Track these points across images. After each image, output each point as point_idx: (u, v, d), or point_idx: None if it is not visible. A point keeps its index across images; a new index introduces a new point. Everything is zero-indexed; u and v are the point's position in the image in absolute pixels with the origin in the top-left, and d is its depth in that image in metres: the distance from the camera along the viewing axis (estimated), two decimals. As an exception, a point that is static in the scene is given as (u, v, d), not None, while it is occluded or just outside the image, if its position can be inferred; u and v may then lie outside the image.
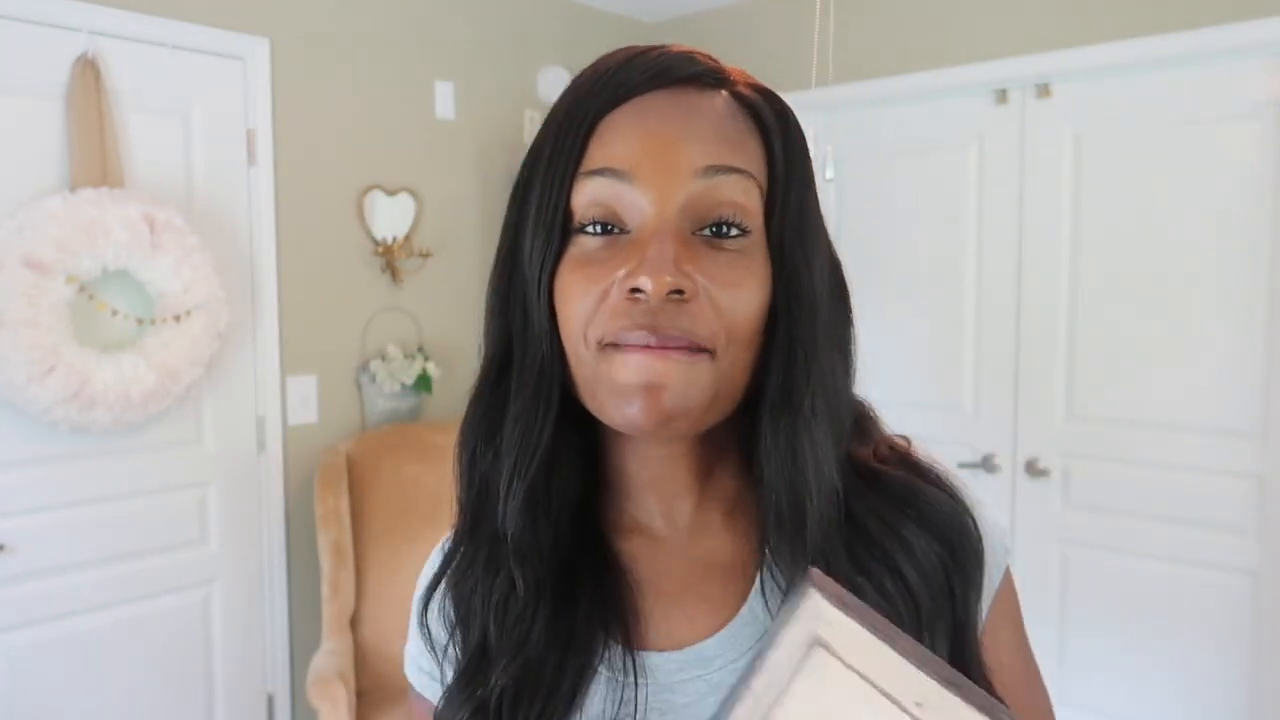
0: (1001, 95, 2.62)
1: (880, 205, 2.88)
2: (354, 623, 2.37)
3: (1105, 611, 2.51)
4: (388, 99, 2.66)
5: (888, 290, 2.88)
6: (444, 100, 2.78)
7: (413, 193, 2.72)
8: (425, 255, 2.73)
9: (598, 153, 0.53)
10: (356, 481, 2.45)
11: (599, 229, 0.53)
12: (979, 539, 0.58)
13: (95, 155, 2.07)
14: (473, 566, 0.60)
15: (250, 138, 2.39)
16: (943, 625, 0.55)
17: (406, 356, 2.69)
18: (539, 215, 0.54)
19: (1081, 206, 2.50)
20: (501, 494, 0.57)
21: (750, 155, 0.54)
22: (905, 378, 2.84)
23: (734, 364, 0.53)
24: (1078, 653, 2.57)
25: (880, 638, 0.43)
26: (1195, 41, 2.27)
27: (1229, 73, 2.27)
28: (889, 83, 2.78)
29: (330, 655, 2.24)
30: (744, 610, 0.57)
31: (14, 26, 2.02)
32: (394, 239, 2.67)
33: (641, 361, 0.51)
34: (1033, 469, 2.59)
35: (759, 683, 0.44)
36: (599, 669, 0.56)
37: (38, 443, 2.06)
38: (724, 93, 0.56)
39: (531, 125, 2.99)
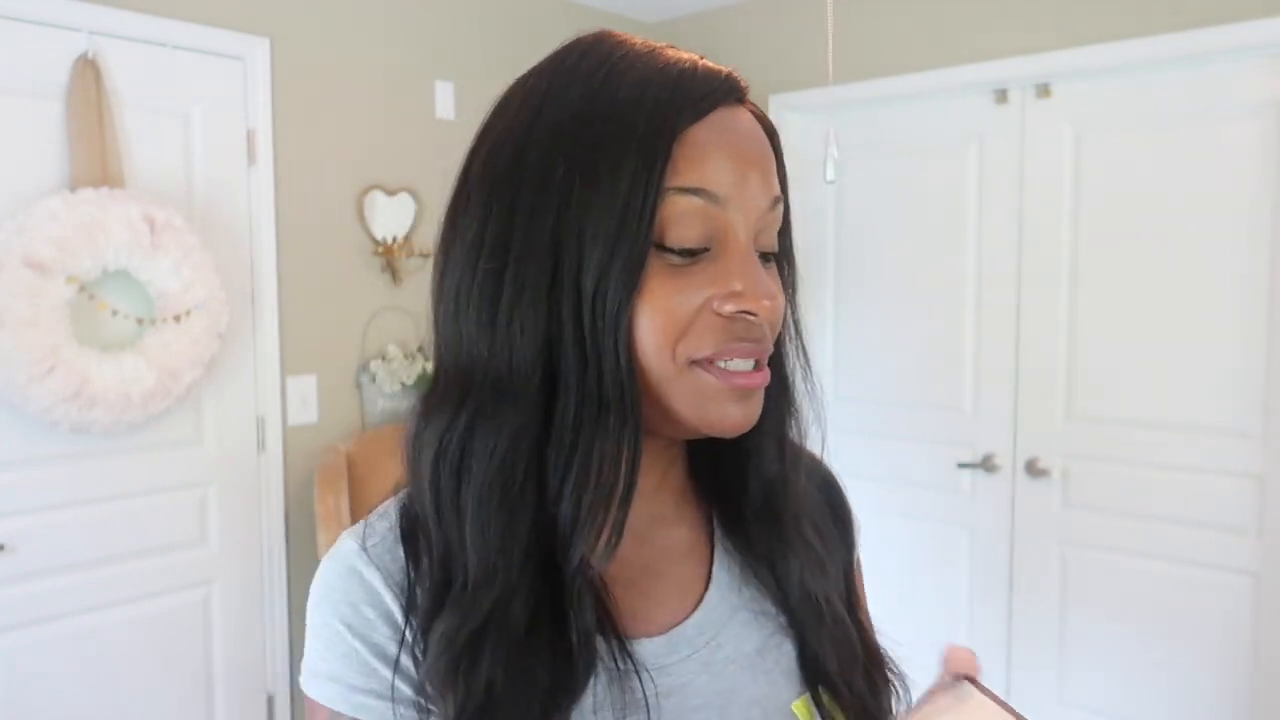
0: (1001, 95, 2.62)
1: (880, 205, 2.88)
2: (354, 623, 2.36)
3: (1105, 611, 2.51)
4: (388, 99, 2.66)
5: (888, 290, 2.88)
6: (444, 100, 2.78)
7: (413, 193, 2.72)
8: (425, 255, 2.72)
9: (687, 170, 0.53)
10: (356, 481, 2.45)
11: (686, 246, 0.53)
12: (847, 499, 0.74)
13: (95, 155, 2.07)
14: (492, 613, 0.54)
15: (250, 138, 2.39)
16: (837, 563, 0.69)
17: (406, 356, 2.69)
18: (620, 232, 0.51)
19: (1081, 206, 2.50)
20: (584, 529, 0.53)
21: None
22: (905, 378, 2.84)
23: None
24: (1078, 653, 2.57)
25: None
26: (1195, 41, 2.27)
27: (1229, 73, 2.27)
28: (889, 83, 2.78)
29: (330, 655, 2.24)
30: (712, 590, 0.63)
31: (14, 26, 2.02)
32: (394, 239, 2.67)
33: (745, 384, 0.56)
34: (1033, 469, 2.59)
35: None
36: (593, 663, 0.57)
37: (38, 443, 2.06)
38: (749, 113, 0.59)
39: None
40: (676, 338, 0.53)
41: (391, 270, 2.67)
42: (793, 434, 0.64)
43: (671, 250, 0.53)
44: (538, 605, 0.55)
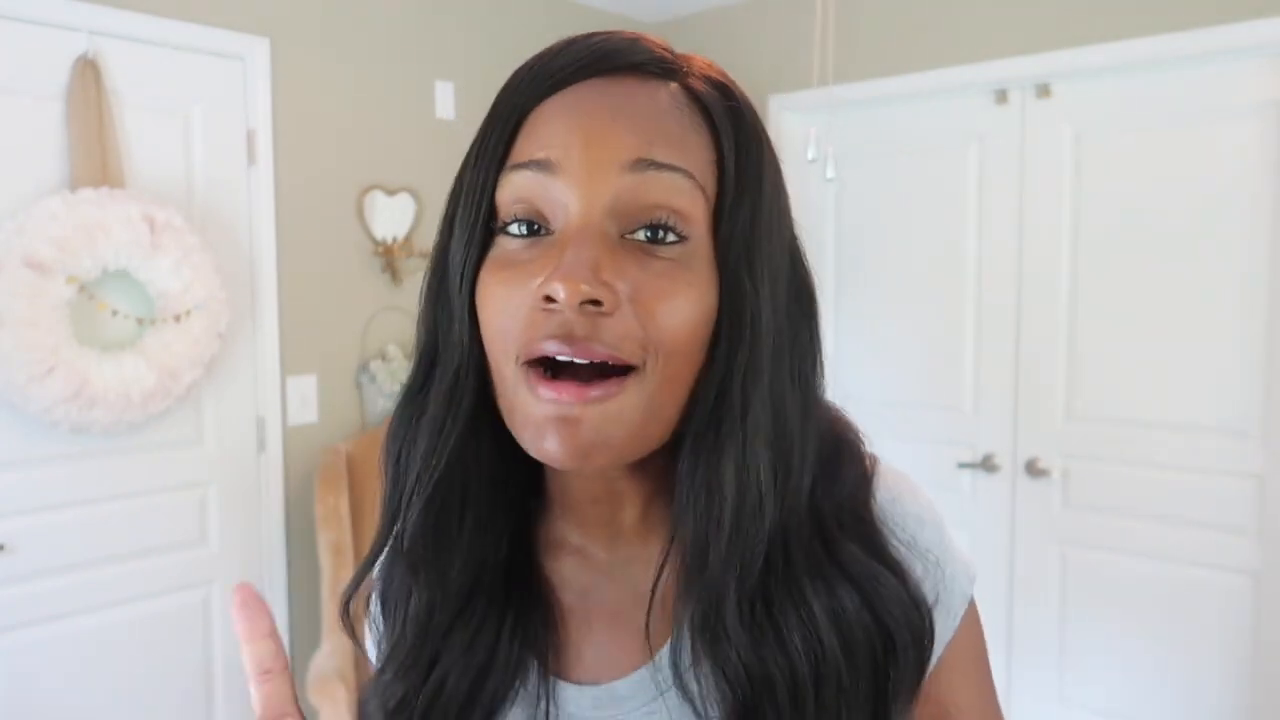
0: (1001, 95, 2.62)
1: (880, 205, 2.88)
2: (354, 623, 2.36)
3: (1105, 612, 2.51)
4: (388, 99, 2.66)
5: (888, 290, 2.88)
6: (444, 100, 2.78)
7: (413, 193, 2.72)
8: (425, 255, 2.72)
9: (524, 145, 0.49)
10: (356, 481, 2.45)
11: (522, 228, 0.49)
12: (928, 636, 0.53)
13: (95, 155, 2.07)
14: (394, 571, 0.58)
15: (250, 138, 2.39)
16: (864, 710, 0.51)
17: (406, 356, 2.69)
18: (464, 212, 0.51)
19: (1081, 206, 2.50)
20: (404, 504, 0.54)
21: (694, 154, 0.49)
22: (905, 378, 2.84)
23: (668, 379, 0.48)
24: (1078, 653, 2.57)
25: None
26: (1195, 41, 2.27)
27: (1229, 73, 2.27)
28: (889, 83, 2.78)
29: (330, 655, 2.24)
30: (663, 651, 0.54)
31: (14, 26, 2.02)
32: (394, 239, 2.67)
33: (555, 398, 0.47)
34: (1033, 469, 2.59)
35: None
36: (518, 692, 0.55)
37: (38, 443, 2.06)
38: (672, 84, 0.51)
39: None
40: (505, 335, 0.48)
41: (391, 270, 2.67)
42: (729, 473, 0.49)
43: (508, 232, 0.49)
44: (436, 600, 0.55)
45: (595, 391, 0.46)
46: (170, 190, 2.23)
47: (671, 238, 0.48)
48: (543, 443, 0.48)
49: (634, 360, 0.47)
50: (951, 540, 0.59)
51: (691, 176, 0.49)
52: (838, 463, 0.56)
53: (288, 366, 2.49)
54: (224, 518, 2.40)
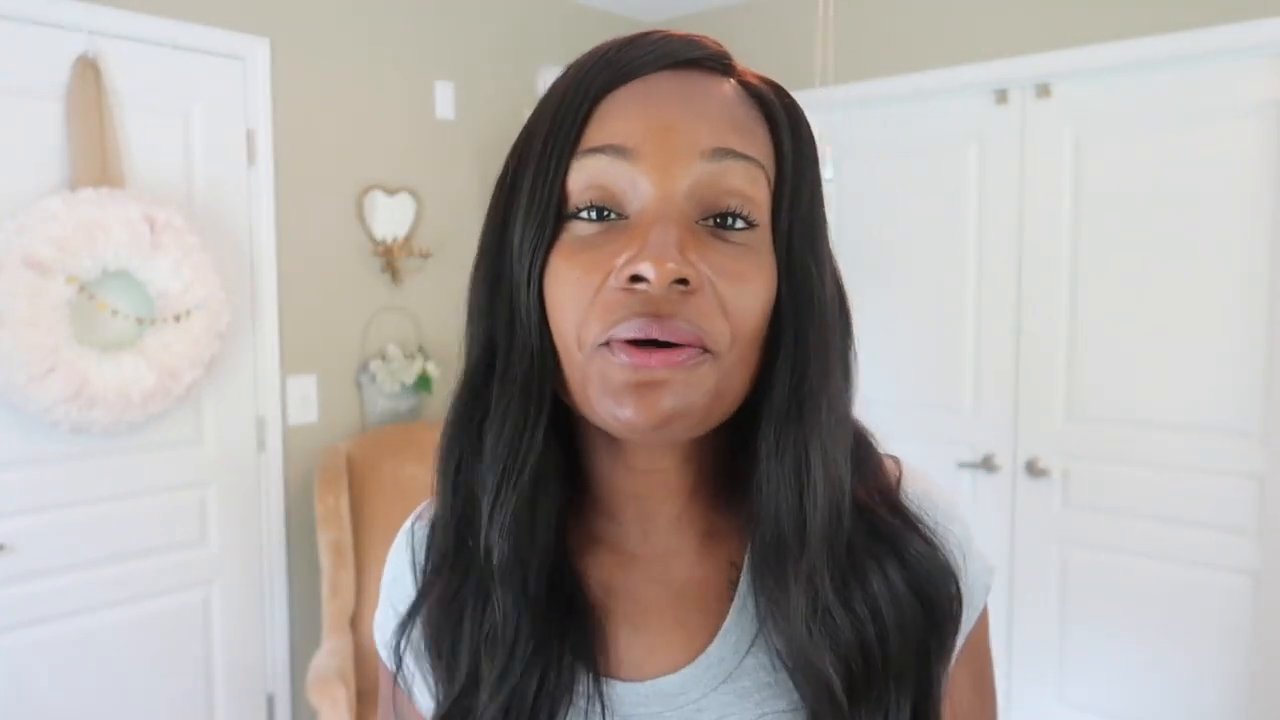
0: (1001, 95, 2.62)
1: (880, 205, 2.88)
2: (354, 623, 2.37)
3: (1105, 612, 2.51)
4: (388, 99, 2.66)
5: (888, 290, 2.88)
6: (444, 100, 2.78)
7: (413, 193, 2.72)
8: (425, 255, 2.73)
9: (596, 132, 0.50)
10: (356, 481, 2.45)
11: (594, 214, 0.49)
12: (959, 603, 0.56)
13: (95, 155, 2.07)
14: (459, 595, 0.56)
15: (250, 138, 2.39)
16: (909, 682, 0.53)
17: (406, 356, 2.69)
18: (531, 200, 0.50)
19: (1081, 206, 2.50)
20: (485, 510, 0.53)
21: (759, 145, 0.52)
22: (905, 378, 2.84)
23: (739, 362, 0.50)
24: (1077, 653, 2.57)
25: None
26: (1195, 41, 2.27)
27: (1229, 73, 2.27)
28: (889, 83, 2.78)
29: (330, 655, 2.24)
30: (712, 647, 0.55)
31: (14, 26, 2.02)
32: (394, 239, 2.67)
33: (640, 363, 0.47)
34: (1033, 469, 2.59)
35: None
36: (573, 692, 0.54)
37: (38, 443, 2.06)
38: (731, 80, 0.53)
39: (531, 125, 2.99)
40: (579, 318, 0.48)
41: (391, 270, 2.67)
42: (816, 454, 0.51)
43: (579, 217, 0.49)
44: (521, 608, 0.54)
45: (680, 356, 0.47)
46: (170, 190, 2.23)
47: (741, 224, 0.50)
48: (620, 409, 0.48)
49: (714, 345, 0.48)
50: (974, 537, 0.61)
51: (761, 166, 0.51)
52: (865, 450, 0.59)
53: (288, 366, 2.49)
54: (224, 518, 2.40)
